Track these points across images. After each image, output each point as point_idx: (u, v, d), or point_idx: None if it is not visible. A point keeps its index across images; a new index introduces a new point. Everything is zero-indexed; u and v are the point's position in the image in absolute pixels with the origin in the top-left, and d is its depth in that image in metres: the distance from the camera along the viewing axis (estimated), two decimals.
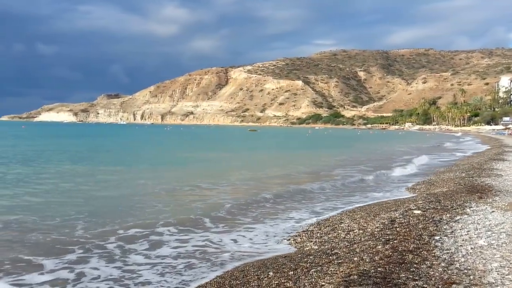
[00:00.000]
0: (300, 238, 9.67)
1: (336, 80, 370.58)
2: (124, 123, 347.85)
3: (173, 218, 11.71)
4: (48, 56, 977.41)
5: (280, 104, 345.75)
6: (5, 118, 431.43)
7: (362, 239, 8.96)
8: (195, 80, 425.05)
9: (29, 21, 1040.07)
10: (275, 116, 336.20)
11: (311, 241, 9.32)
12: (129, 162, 30.05)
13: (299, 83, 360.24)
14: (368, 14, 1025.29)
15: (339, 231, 9.96)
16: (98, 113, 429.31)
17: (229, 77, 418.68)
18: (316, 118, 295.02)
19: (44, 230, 10.37)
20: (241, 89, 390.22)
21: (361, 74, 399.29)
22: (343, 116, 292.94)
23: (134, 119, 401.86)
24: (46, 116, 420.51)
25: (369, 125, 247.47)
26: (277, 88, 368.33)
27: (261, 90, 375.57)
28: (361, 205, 13.87)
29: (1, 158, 29.90)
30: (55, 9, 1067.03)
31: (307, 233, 10.07)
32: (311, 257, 7.91)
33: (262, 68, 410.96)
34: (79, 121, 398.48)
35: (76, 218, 11.56)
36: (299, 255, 8.20)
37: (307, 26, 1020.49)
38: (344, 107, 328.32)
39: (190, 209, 13.15)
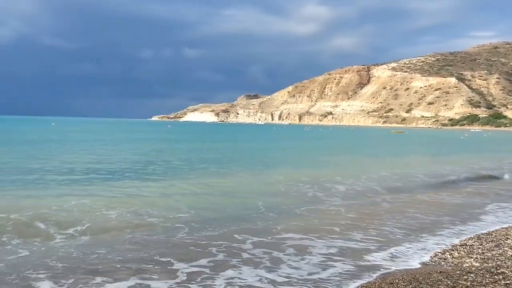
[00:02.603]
0: (458, 253, 8.79)
1: (497, 76, 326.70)
2: (263, 123, 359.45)
3: (307, 226, 11.41)
4: (193, 59, 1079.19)
5: (429, 103, 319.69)
6: (155, 118, 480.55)
7: None
8: (335, 79, 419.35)
9: (177, 27, 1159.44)
10: (422, 116, 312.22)
11: (471, 257, 8.41)
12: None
13: (452, 80, 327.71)
14: None
15: (505, 248, 8.88)
16: (237, 113, 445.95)
17: (371, 76, 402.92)
18: (472, 119, 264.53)
19: (173, 232, 10.35)
20: (384, 87, 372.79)
21: None
22: (505, 117, 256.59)
23: (272, 119, 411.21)
24: (191, 116, 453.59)
25: None
26: (425, 86, 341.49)
27: (407, 89, 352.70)
28: None
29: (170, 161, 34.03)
30: (200, 15, 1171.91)
31: (465, 248, 9.12)
32: (471, 275, 7.17)
33: (409, 65, 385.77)
34: (220, 121, 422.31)
35: (204, 221, 11.45)
36: (457, 272, 7.47)
37: (461, 16, 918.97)
38: (507, 107, 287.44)
39: (324, 218, 12.66)
